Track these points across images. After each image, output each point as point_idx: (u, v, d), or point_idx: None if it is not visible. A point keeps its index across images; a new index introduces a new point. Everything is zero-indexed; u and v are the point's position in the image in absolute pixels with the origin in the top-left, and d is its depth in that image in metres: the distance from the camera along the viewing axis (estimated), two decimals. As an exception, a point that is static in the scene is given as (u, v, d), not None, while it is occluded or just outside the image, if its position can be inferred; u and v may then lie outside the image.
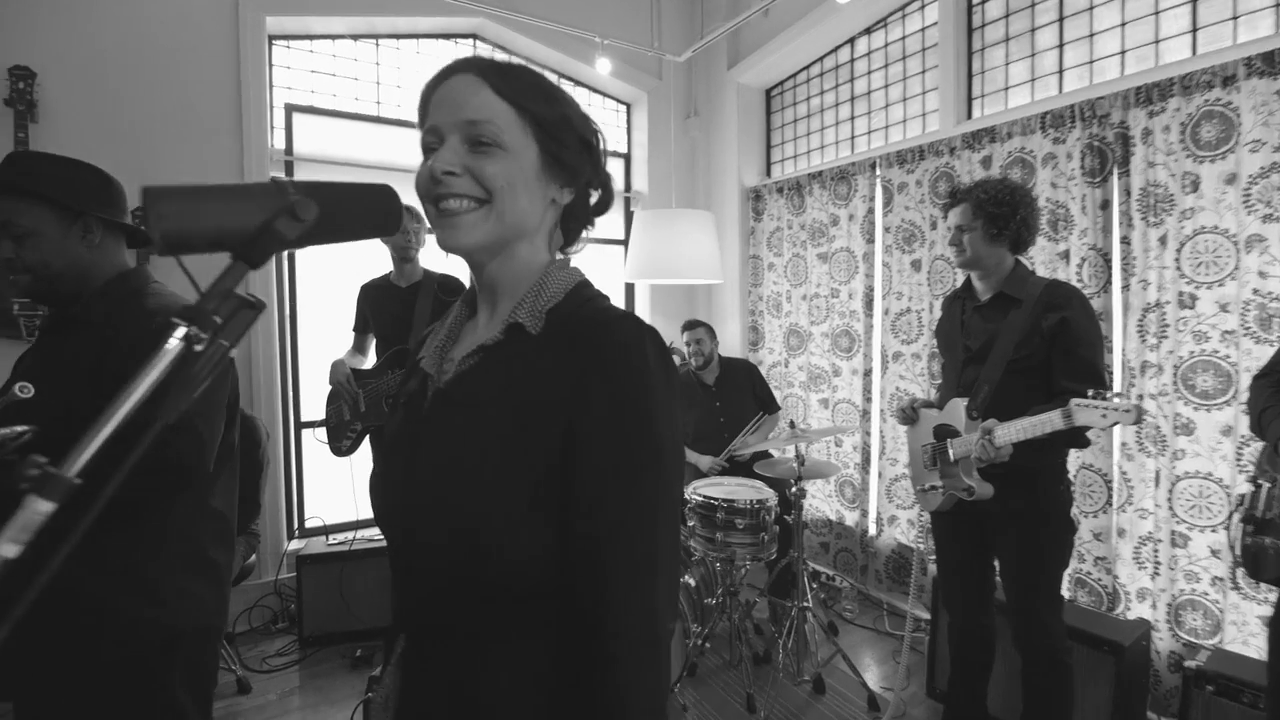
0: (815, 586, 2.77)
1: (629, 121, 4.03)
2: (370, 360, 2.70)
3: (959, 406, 1.78)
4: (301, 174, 3.13)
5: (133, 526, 1.18)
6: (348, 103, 3.26)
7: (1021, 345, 1.72)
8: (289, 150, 3.12)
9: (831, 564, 3.28)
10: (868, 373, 3.12)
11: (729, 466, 2.90)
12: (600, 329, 0.66)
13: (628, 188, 4.01)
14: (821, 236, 3.34)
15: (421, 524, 0.67)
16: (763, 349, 3.73)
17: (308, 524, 3.25)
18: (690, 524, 2.41)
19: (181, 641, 1.23)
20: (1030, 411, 1.63)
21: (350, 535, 2.94)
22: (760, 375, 3.21)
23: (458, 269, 3.38)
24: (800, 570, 2.32)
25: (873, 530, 3.10)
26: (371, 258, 2.81)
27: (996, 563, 1.89)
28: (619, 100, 3.99)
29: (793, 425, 2.39)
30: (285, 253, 3.29)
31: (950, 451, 1.79)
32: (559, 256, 0.78)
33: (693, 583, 2.38)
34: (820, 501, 3.37)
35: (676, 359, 3.68)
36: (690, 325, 3.13)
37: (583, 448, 0.63)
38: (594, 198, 0.78)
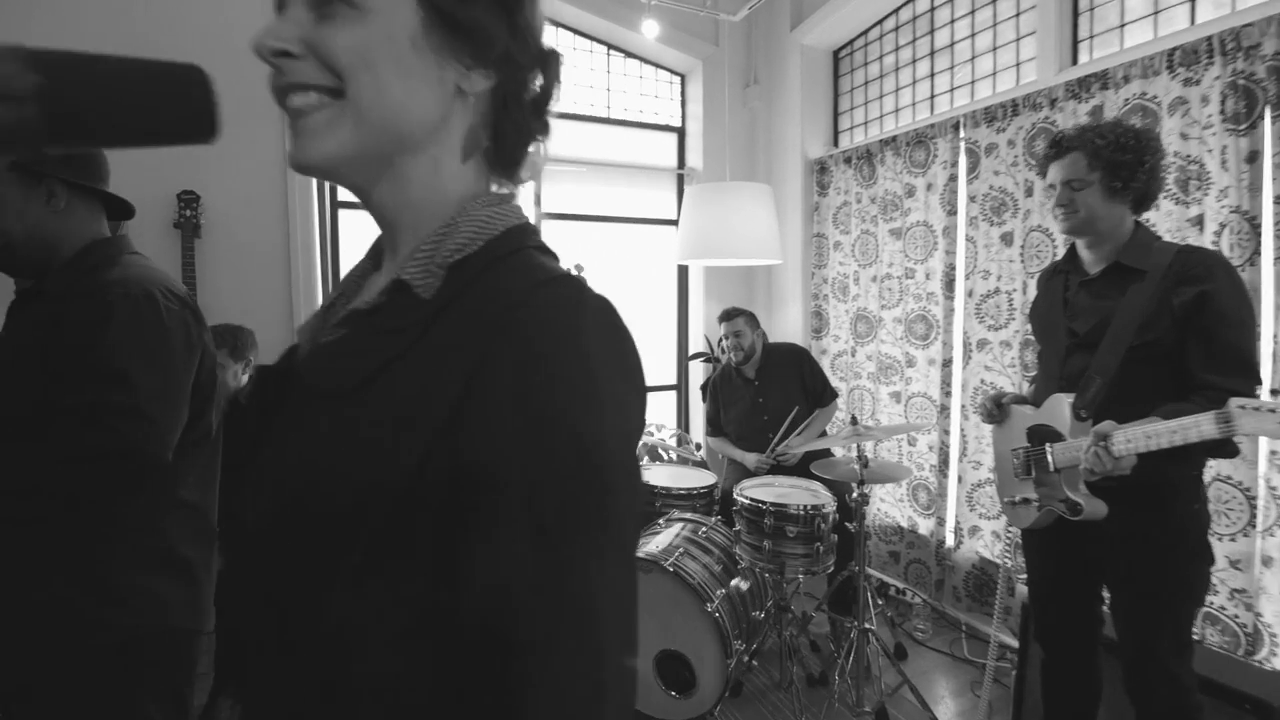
0: (881, 603, 2.46)
1: (683, 94, 3.77)
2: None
3: (1062, 404, 1.45)
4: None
5: (83, 518, 1.07)
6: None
7: (1145, 328, 1.38)
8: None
9: (902, 576, 2.95)
10: (947, 363, 2.75)
11: (776, 464, 2.63)
12: (518, 297, 0.44)
13: (681, 164, 3.75)
14: (894, 210, 2.98)
15: (244, 562, 0.48)
16: (827, 336, 3.41)
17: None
18: (736, 528, 2.16)
19: (144, 645, 1.12)
20: (1158, 412, 1.29)
21: None
22: (812, 362, 2.90)
23: None
24: (862, 587, 2.04)
25: (950, 541, 2.75)
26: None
27: (1105, 591, 1.56)
28: (672, 71, 3.74)
29: (855, 421, 2.10)
30: (326, 228, 3.31)
31: (1050, 459, 1.47)
32: (494, 189, 0.55)
33: (745, 586, 2.15)
34: (890, 506, 3.04)
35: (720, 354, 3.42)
36: (728, 315, 2.85)
37: (472, 480, 0.41)
38: (533, 85, 0.53)
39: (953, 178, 2.71)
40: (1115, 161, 1.39)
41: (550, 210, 3.42)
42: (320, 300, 3.07)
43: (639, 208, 3.65)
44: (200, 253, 2.76)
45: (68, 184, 1.18)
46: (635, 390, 0.46)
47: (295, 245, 2.90)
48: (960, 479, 2.66)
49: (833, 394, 2.86)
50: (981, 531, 2.59)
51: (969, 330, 2.63)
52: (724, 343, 2.83)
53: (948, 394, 2.76)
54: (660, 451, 3.40)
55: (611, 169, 3.55)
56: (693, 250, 3.04)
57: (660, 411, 3.79)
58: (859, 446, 2.04)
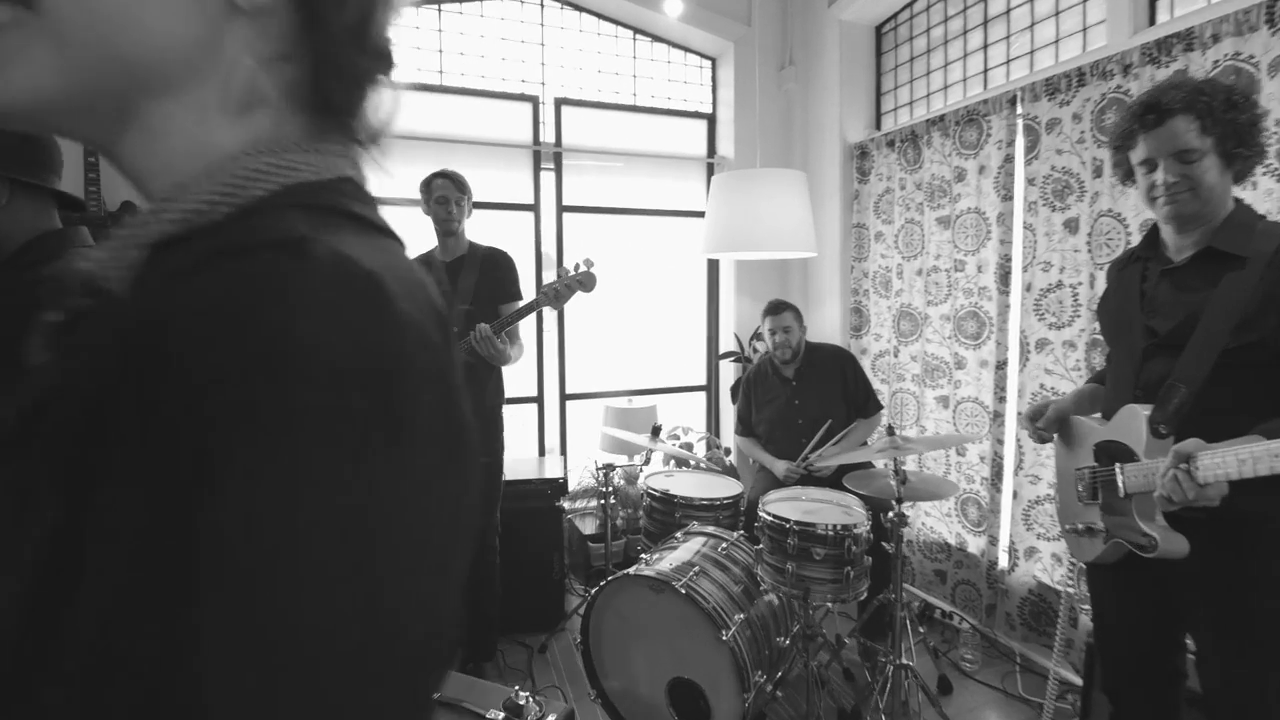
0: (924, 630, 2.22)
1: (714, 78, 3.57)
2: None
3: (1137, 417, 1.22)
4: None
5: None
6: (410, 73, 3.08)
7: (1245, 327, 1.13)
8: (348, 126, 2.99)
9: (949, 598, 2.69)
10: (1001, 365, 2.49)
11: (807, 474, 2.42)
12: (212, 272, 0.28)
13: (711, 152, 3.56)
14: (942, 196, 2.72)
15: None
16: (867, 335, 3.16)
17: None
18: (758, 547, 1.98)
19: None
20: (1260, 430, 1.05)
21: None
22: (857, 367, 2.67)
23: (504, 238, 3.13)
24: (898, 617, 1.82)
25: (1004, 562, 2.49)
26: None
27: (1189, 639, 1.31)
28: (702, 54, 3.54)
29: (891, 432, 1.88)
30: None
31: (1121, 482, 1.23)
32: (309, 153, 0.36)
33: (775, 600, 1.97)
34: (936, 520, 2.78)
35: (760, 348, 3.22)
36: (775, 309, 2.65)
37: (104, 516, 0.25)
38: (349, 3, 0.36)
39: (1008, 158, 2.44)
40: (1231, 123, 1.14)
41: (572, 203, 3.28)
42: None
43: (667, 199, 3.48)
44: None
45: (8, 180, 1.10)
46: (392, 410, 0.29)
47: (311, 242, 2.84)
48: (1015, 494, 2.39)
49: (877, 405, 2.64)
50: (1039, 554, 2.32)
51: (1027, 329, 2.36)
52: (773, 338, 2.61)
53: (1001, 399, 2.49)
54: (687, 456, 3.22)
55: (637, 159, 3.39)
56: (720, 243, 2.84)
57: (687, 414, 3.61)
58: (895, 462, 1.82)
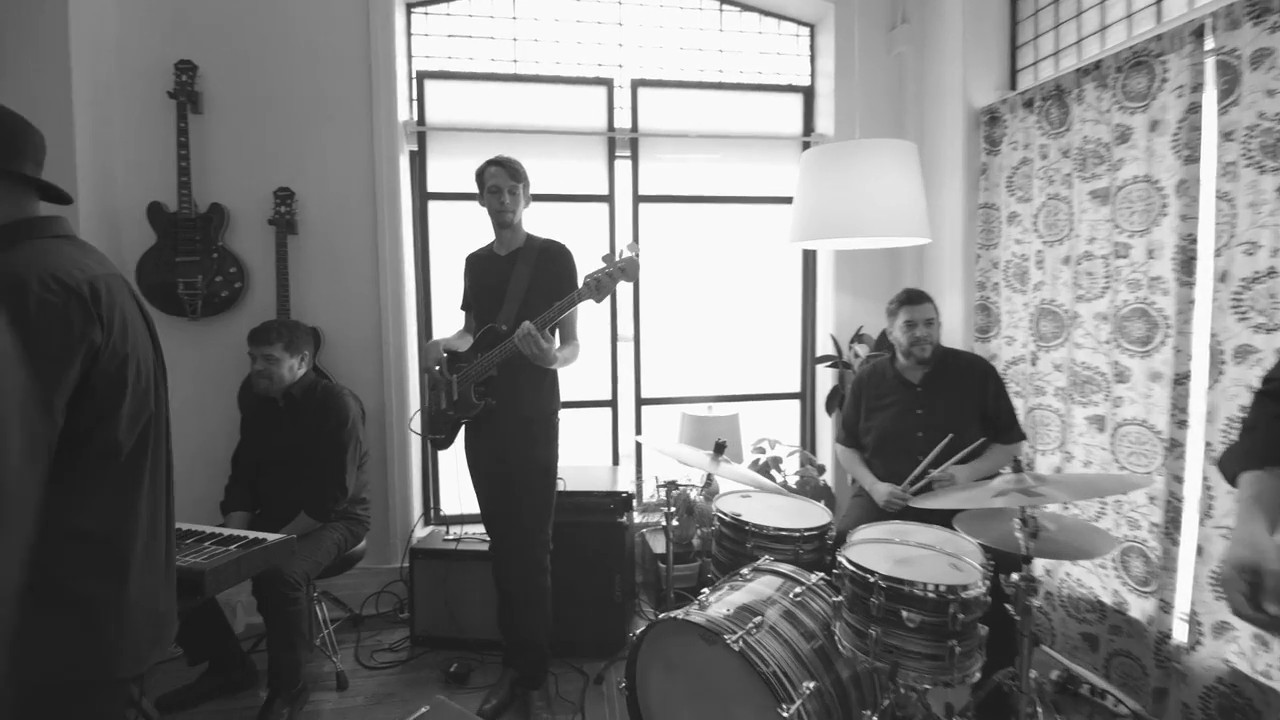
0: (1060, 718, 1.73)
1: (812, 47, 3.16)
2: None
3: None
4: (435, 145, 2.93)
5: None
6: (485, 64, 2.97)
7: None
8: (421, 120, 2.93)
9: (1101, 670, 2.14)
10: (1182, 379, 1.91)
11: (910, 497, 2.00)
12: None
13: (808, 130, 3.15)
14: (1098, 163, 2.17)
15: None
16: (996, 338, 2.63)
17: (444, 510, 3.10)
18: (838, 599, 1.60)
19: (33, 699, 0.96)
20: None
21: (458, 532, 2.67)
22: (1002, 386, 2.22)
23: (576, 233, 2.90)
24: (1024, 711, 1.38)
25: (1180, 635, 1.91)
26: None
27: None
28: (798, 21, 3.15)
29: (1018, 468, 1.43)
30: (418, 231, 3.25)
31: None
32: None
33: (844, 642, 1.59)
34: (1086, 572, 2.23)
35: (862, 351, 2.79)
36: (914, 298, 2.25)
37: None
38: None
39: (1193, 108, 1.87)
40: None
41: (649, 193, 3.02)
42: (410, 298, 2.97)
43: (756, 185, 3.12)
44: (294, 249, 2.76)
45: None
46: None
47: (383, 240, 2.80)
48: (1200, 551, 1.82)
49: (1020, 434, 2.19)
50: (1235, 633, 1.74)
51: (1220, 331, 1.78)
52: (911, 332, 2.20)
53: (1181, 424, 1.91)
54: (773, 473, 2.85)
55: (723, 142, 3.06)
56: (813, 228, 2.46)
57: (777, 424, 3.23)
58: (1023, 510, 1.38)
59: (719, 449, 1.89)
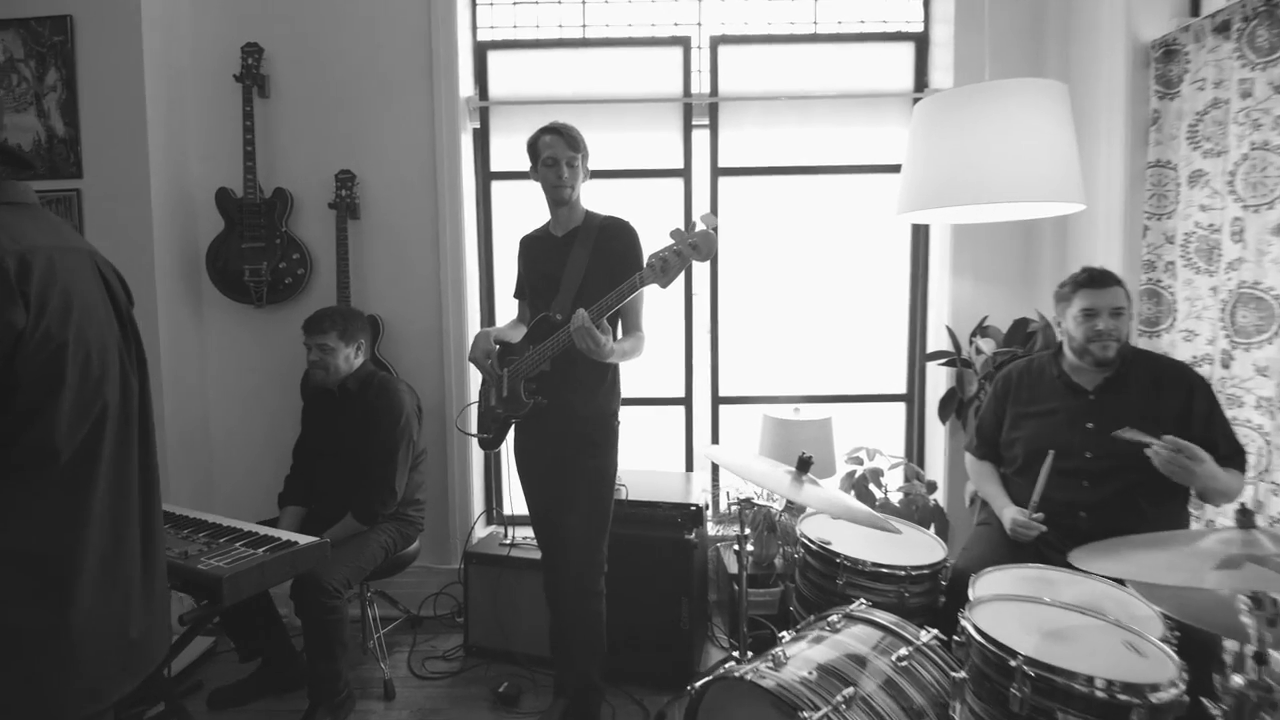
0: None
1: (928, -14, 2.68)
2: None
3: None
4: (498, 120, 2.73)
5: None
6: (551, 30, 2.73)
7: None
8: (483, 95, 2.74)
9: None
10: None
11: (1039, 525, 1.56)
12: None
13: (920, 85, 2.68)
14: (1336, 97, 1.61)
15: None
16: (1170, 330, 2.08)
17: (507, 510, 2.92)
18: (960, 675, 1.22)
19: None
20: None
21: (514, 535, 2.46)
22: (1213, 399, 1.70)
23: (649, 213, 2.58)
24: None
25: None
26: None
27: None
28: (912, -44, 2.68)
29: (1245, 516, 0.99)
30: (480, 213, 3.06)
31: None
32: None
33: None
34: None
35: (986, 348, 2.33)
36: (1095, 280, 1.74)
37: None
38: None
39: None
40: None
41: (730, 165, 2.67)
42: (472, 284, 2.80)
43: (856, 153, 2.69)
44: (355, 233, 2.65)
45: None
46: None
47: (444, 223, 2.63)
48: None
49: (1241, 461, 1.65)
50: None
51: None
52: (1090, 324, 1.70)
53: None
54: (872, 488, 2.44)
55: (816, 104, 2.66)
56: (926, 195, 2.04)
57: (878, 431, 2.79)
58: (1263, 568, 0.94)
59: (803, 466, 1.53)
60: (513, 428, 1.93)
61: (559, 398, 1.79)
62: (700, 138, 2.67)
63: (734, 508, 1.82)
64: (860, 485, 2.43)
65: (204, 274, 2.61)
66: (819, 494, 1.49)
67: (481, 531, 2.79)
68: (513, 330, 1.98)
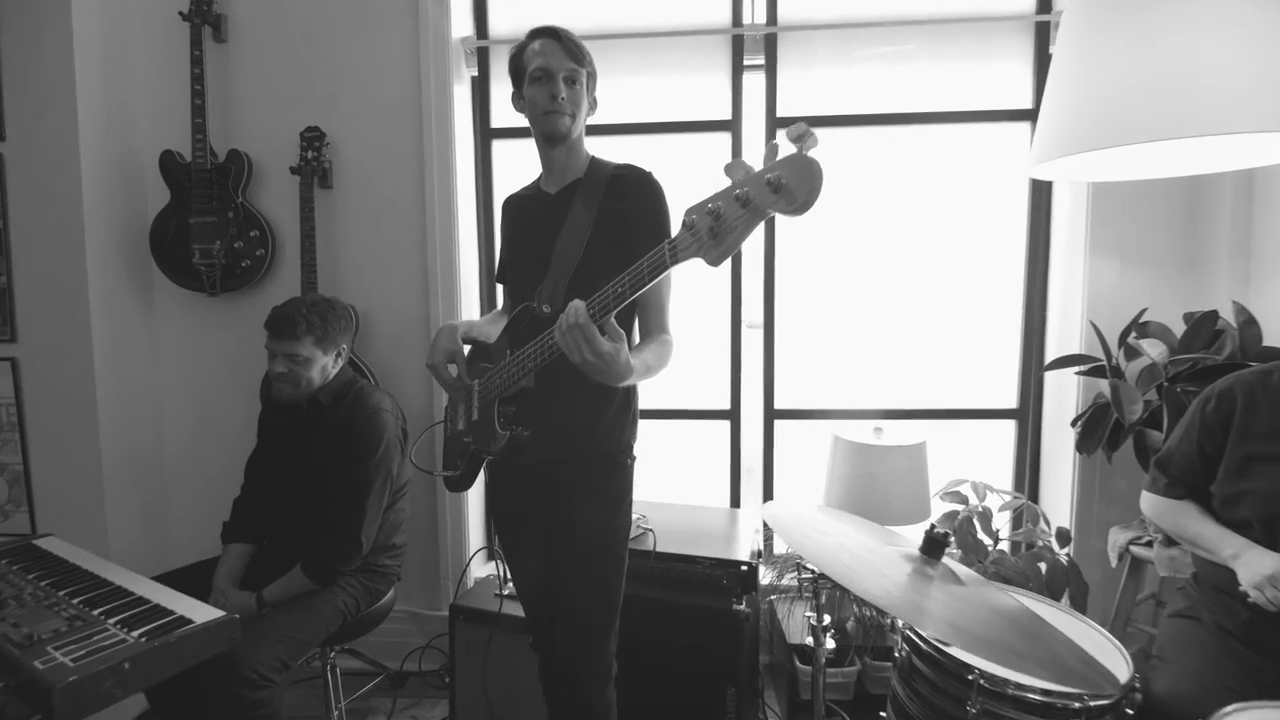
0: None
1: (1056, -124, 2.05)
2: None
3: None
4: (501, 66, 2.21)
5: None
6: (565, -45, 2.20)
7: None
8: (482, 33, 2.22)
9: None
10: None
11: None
12: None
13: (1045, 5, 2.05)
14: None
15: None
16: None
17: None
18: None
19: None
20: None
21: (508, 581, 1.92)
22: None
23: (686, 177, 2.00)
24: None
25: None
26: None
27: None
28: None
29: None
30: (479, 180, 2.27)
31: None
32: None
33: None
34: None
35: (1153, 351, 1.71)
36: None
37: None
38: None
39: None
40: None
41: (792, 114, 2.09)
42: (468, 266, 2.30)
43: (956, 95, 2.08)
44: (327, 205, 2.17)
45: None
46: None
47: (431, 191, 2.13)
48: None
49: None
50: None
51: None
52: None
53: None
54: (980, 537, 1.84)
55: (903, 31, 2.06)
56: (1059, 141, 1.43)
57: (978, 459, 2.19)
58: None
59: (933, 547, 0.96)
60: (484, 466, 1.40)
61: (547, 426, 1.24)
62: (753, 81, 2.10)
63: (800, 575, 1.25)
64: (964, 534, 1.84)
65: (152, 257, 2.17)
66: (961, 597, 0.92)
67: (479, 569, 2.29)
68: (492, 325, 1.44)
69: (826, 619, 1.24)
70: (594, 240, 1.25)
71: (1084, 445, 1.70)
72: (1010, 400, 2.17)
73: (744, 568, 1.60)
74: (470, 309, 2.25)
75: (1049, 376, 2.12)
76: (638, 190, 1.27)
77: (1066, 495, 2.02)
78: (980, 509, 1.89)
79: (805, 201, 0.81)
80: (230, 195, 2.11)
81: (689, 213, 0.94)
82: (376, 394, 1.77)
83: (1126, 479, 1.96)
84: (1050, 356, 2.09)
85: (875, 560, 0.96)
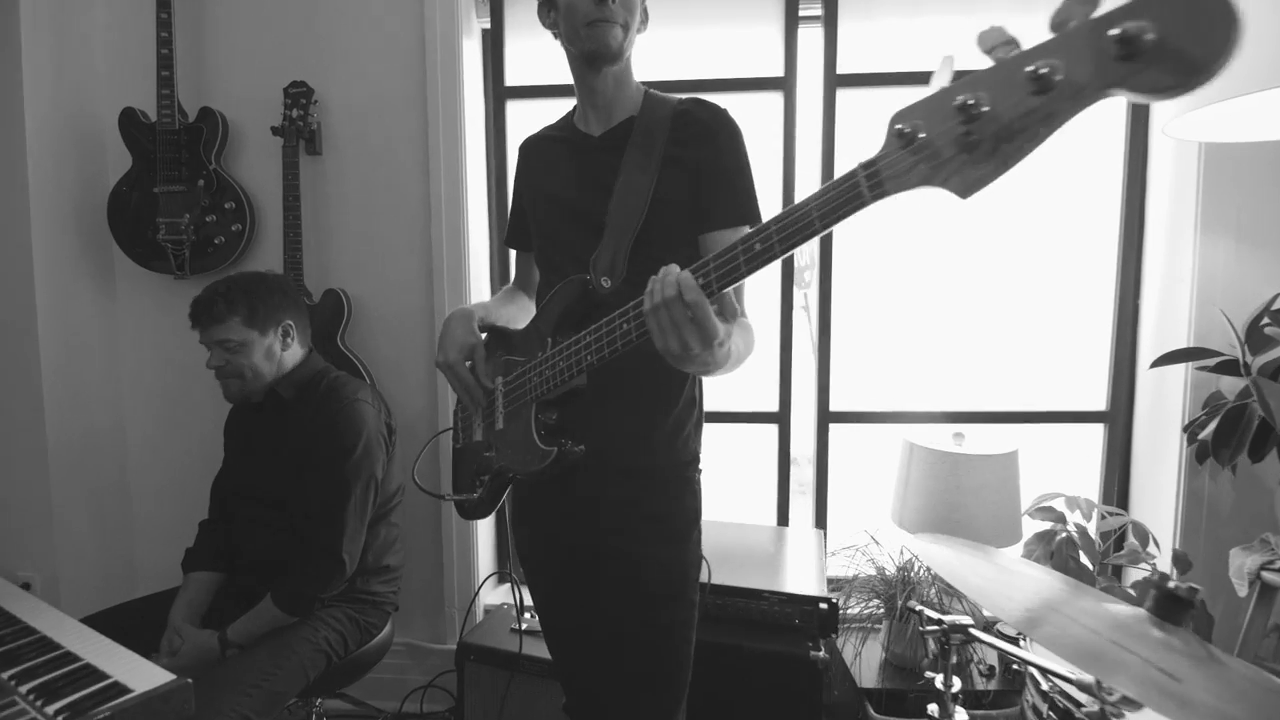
0: None
1: None
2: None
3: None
4: (516, 15, 1.93)
5: None
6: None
7: None
8: (495, -20, 1.93)
9: None
10: None
11: None
12: None
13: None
14: None
15: None
16: None
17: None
18: None
19: None
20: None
21: (524, 610, 1.63)
22: None
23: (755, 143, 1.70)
24: None
25: None
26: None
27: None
28: None
29: None
30: (492, 147, 1.92)
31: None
32: None
33: None
34: None
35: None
36: None
37: None
38: None
39: None
40: None
41: (853, 71, 1.82)
42: (477, 243, 2.01)
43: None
44: (315, 174, 1.88)
45: None
46: None
47: (438, 162, 1.84)
48: None
49: None
50: None
51: None
52: None
53: None
54: (1084, 561, 1.57)
55: (985, -20, 1.79)
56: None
57: (1061, 467, 1.92)
58: None
59: (1172, 607, 0.68)
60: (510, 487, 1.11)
61: (597, 434, 0.95)
62: (810, 35, 1.83)
63: (919, 621, 0.97)
64: (1064, 558, 1.57)
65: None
66: (1246, 698, 0.64)
67: (490, 596, 2.00)
68: (506, 306, 1.15)
69: (956, 683, 0.97)
70: (660, 195, 0.97)
71: (1219, 455, 1.43)
72: (1099, 402, 1.91)
73: (823, 605, 1.31)
74: (479, 290, 1.96)
75: (1143, 375, 1.86)
76: (714, 131, 0.99)
77: (1168, 510, 1.75)
78: (1078, 528, 1.62)
79: (1204, 64, 0.42)
80: (202, 161, 1.82)
81: (900, 118, 0.58)
82: (352, 385, 1.49)
83: (1238, 490, 1.71)
84: (1145, 351, 1.83)
85: (1089, 623, 0.68)
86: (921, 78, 1.75)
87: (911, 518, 1.61)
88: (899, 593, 1.58)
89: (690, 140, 0.98)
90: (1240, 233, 1.66)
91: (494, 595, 2.00)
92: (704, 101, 1.03)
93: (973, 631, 0.94)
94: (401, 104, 1.85)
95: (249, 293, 1.39)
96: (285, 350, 1.44)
